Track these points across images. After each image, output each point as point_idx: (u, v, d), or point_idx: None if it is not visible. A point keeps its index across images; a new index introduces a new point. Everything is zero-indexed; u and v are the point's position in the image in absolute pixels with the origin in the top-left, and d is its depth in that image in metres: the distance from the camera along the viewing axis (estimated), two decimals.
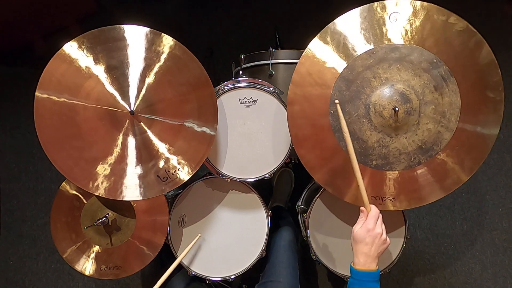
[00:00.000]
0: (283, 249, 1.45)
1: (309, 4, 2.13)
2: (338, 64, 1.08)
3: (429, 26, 1.04)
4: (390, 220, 1.34)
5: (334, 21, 1.07)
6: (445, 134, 1.08)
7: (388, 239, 1.03)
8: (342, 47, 1.08)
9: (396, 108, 1.04)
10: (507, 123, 1.96)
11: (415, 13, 1.04)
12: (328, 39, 1.08)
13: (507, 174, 1.94)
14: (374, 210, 1.04)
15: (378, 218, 1.04)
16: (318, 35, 1.09)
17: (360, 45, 1.07)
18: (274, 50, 1.44)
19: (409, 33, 1.05)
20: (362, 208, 1.06)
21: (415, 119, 1.07)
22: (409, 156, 1.10)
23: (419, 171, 1.12)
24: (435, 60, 1.05)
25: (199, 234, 1.36)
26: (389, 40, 1.06)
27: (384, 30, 1.06)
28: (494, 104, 1.06)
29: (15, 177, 2.18)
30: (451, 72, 1.05)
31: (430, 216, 1.96)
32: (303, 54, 1.10)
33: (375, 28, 1.06)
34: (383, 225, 1.04)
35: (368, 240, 1.00)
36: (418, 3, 1.04)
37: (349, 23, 1.07)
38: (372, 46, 1.06)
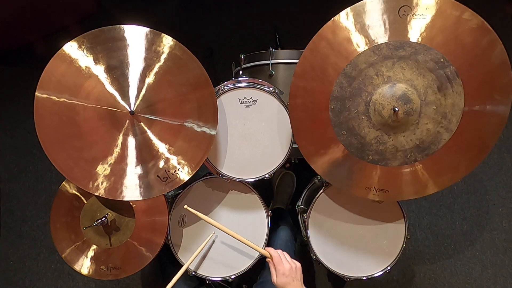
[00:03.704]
0: (280, 249, 1.45)
1: (309, 4, 2.13)
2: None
3: (440, 22, 0.98)
4: (390, 220, 1.34)
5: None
6: (444, 135, 1.08)
7: (295, 262, 1.14)
8: (342, 49, 1.05)
9: (396, 109, 1.04)
10: (507, 123, 1.96)
11: (426, 8, 0.99)
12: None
13: (507, 174, 1.94)
14: (273, 254, 1.13)
15: (281, 256, 1.12)
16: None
17: (360, 44, 1.05)
18: (274, 50, 1.44)
19: (417, 30, 1.00)
20: (268, 259, 1.15)
21: (415, 119, 1.07)
22: (406, 154, 1.10)
23: (414, 167, 1.12)
24: (442, 60, 1.01)
25: (213, 232, 1.37)
26: (395, 37, 1.02)
27: (390, 27, 1.01)
28: (500, 106, 1.03)
29: (15, 177, 2.18)
30: (457, 72, 1.01)
31: (430, 216, 1.96)
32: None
33: (380, 25, 1.02)
34: (285, 254, 1.14)
35: (289, 280, 1.09)
36: None
37: (351, 20, 1.03)
38: (375, 45, 1.03)
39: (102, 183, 1.13)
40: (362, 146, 1.12)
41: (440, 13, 0.99)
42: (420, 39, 1.01)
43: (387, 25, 1.02)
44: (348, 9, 1.03)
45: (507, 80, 1.00)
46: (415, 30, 1.01)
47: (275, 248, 1.46)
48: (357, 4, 1.02)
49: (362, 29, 1.04)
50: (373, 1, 1.01)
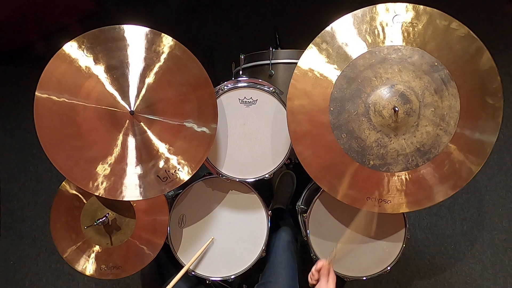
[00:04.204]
0: (282, 250, 1.45)
1: (308, 4, 2.14)
2: (334, 71, 1.09)
3: (431, 30, 1.05)
4: (390, 220, 1.34)
5: (332, 24, 1.08)
6: (443, 138, 1.08)
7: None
8: (341, 51, 1.08)
9: (396, 108, 1.04)
10: (507, 123, 1.97)
11: (417, 17, 1.05)
12: (326, 43, 1.08)
13: (507, 174, 1.94)
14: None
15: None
16: (314, 40, 1.09)
17: (359, 47, 1.07)
18: (274, 50, 1.44)
19: (411, 36, 1.06)
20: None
21: (414, 121, 1.07)
22: (407, 158, 1.10)
23: (416, 174, 1.12)
24: (436, 63, 1.05)
25: (212, 237, 1.36)
26: (391, 41, 1.06)
27: (386, 32, 1.06)
28: (493, 111, 1.06)
29: (15, 177, 2.18)
30: (451, 76, 1.05)
31: (430, 216, 1.96)
32: (298, 62, 1.11)
33: (377, 30, 1.07)
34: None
35: None
36: (421, 7, 1.05)
37: (351, 25, 1.07)
38: (373, 49, 1.07)
39: (102, 183, 1.13)
40: (362, 150, 1.11)
41: (430, 22, 1.05)
42: (414, 44, 1.06)
43: (383, 31, 1.06)
44: (347, 15, 1.07)
45: (496, 85, 1.05)
46: (409, 36, 1.06)
47: (276, 250, 1.47)
48: (356, 11, 1.07)
49: (360, 34, 1.07)
50: (369, 9, 1.06)
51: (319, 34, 1.09)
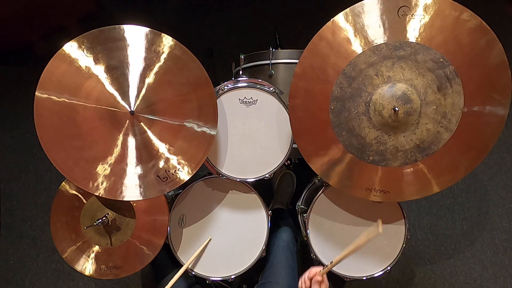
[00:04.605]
0: (282, 250, 1.45)
1: (309, 4, 2.13)
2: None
3: (439, 23, 0.99)
4: (390, 220, 1.34)
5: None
6: (444, 135, 1.08)
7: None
8: (360, 31, 1.04)
9: (396, 109, 1.04)
10: (507, 123, 1.96)
11: (425, 8, 0.99)
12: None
13: (507, 174, 1.94)
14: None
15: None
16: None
17: (367, 37, 1.04)
18: (274, 50, 1.44)
19: (417, 30, 1.01)
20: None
21: (415, 119, 1.07)
22: (406, 154, 1.10)
23: (415, 168, 1.12)
24: (441, 60, 1.02)
25: (210, 237, 1.36)
26: (395, 35, 1.02)
27: (391, 26, 1.02)
28: (499, 107, 1.03)
29: (15, 177, 2.18)
30: (456, 72, 1.02)
31: (430, 216, 1.96)
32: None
33: (381, 22, 1.02)
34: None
35: None
36: None
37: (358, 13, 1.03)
38: (377, 41, 1.03)
39: (102, 183, 1.13)
40: (362, 147, 1.12)
41: (439, 13, 0.99)
42: (419, 39, 1.02)
43: (386, 26, 1.03)
44: (347, 10, 1.04)
45: (505, 80, 1.01)
46: (414, 30, 1.01)
47: (276, 250, 1.46)
48: (356, 4, 1.03)
49: (362, 29, 1.04)
50: (372, 1, 1.02)
51: (316, 34, 1.06)
